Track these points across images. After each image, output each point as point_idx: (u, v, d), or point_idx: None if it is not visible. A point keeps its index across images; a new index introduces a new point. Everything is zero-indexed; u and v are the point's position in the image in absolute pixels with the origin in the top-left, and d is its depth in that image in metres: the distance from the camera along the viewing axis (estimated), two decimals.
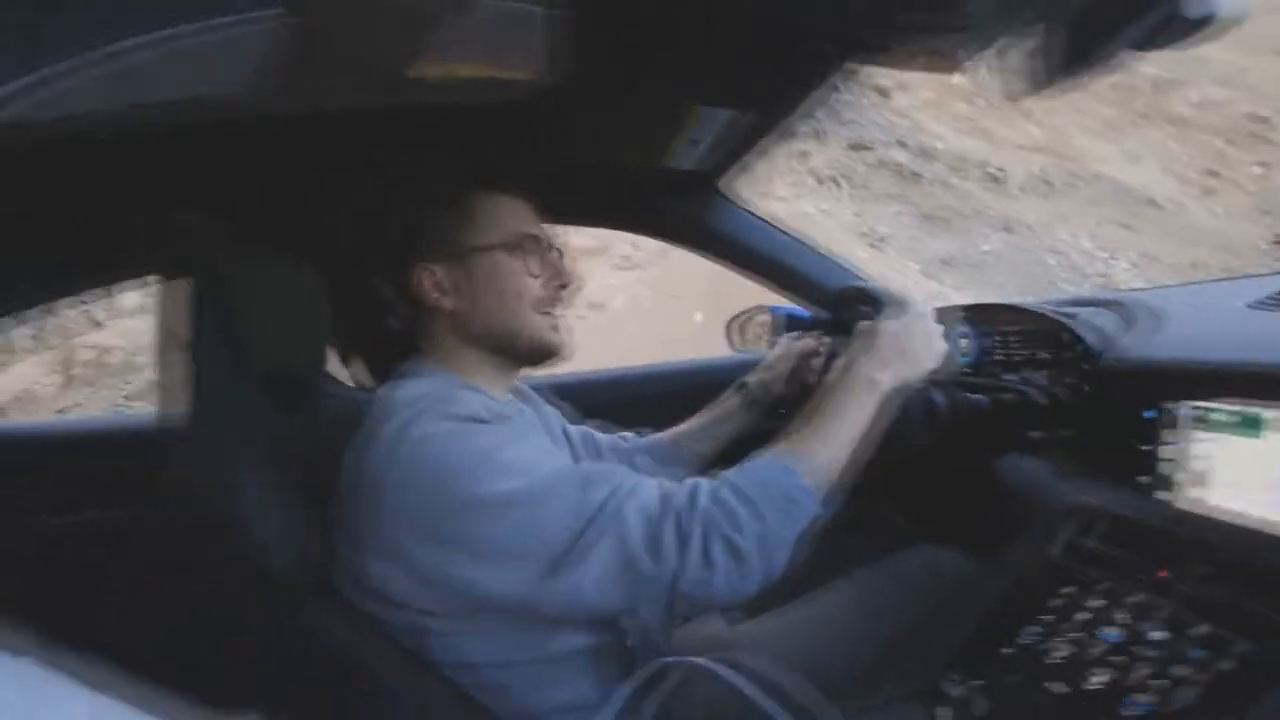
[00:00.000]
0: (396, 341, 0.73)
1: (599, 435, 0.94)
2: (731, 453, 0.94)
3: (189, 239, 0.67)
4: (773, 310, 1.34)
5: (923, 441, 0.77)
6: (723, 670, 0.56)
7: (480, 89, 0.79)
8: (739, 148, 1.00)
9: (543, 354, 0.73)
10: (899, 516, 0.98)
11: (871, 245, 4.37)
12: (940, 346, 0.71)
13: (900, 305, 0.72)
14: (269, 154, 0.84)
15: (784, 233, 1.21)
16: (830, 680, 0.75)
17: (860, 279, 1.18)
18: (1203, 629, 0.52)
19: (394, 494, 0.58)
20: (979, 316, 0.92)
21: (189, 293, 0.63)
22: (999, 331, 0.88)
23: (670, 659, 0.58)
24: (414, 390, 0.64)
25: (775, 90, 0.79)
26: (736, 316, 1.42)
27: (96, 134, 0.65)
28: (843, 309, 1.00)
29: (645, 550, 0.56)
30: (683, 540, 0.57)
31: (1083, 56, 0.56)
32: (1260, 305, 0.69)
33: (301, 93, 0.71)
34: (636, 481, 0.61)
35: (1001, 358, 0.87)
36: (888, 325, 0.71)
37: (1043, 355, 0.81)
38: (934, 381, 0.75)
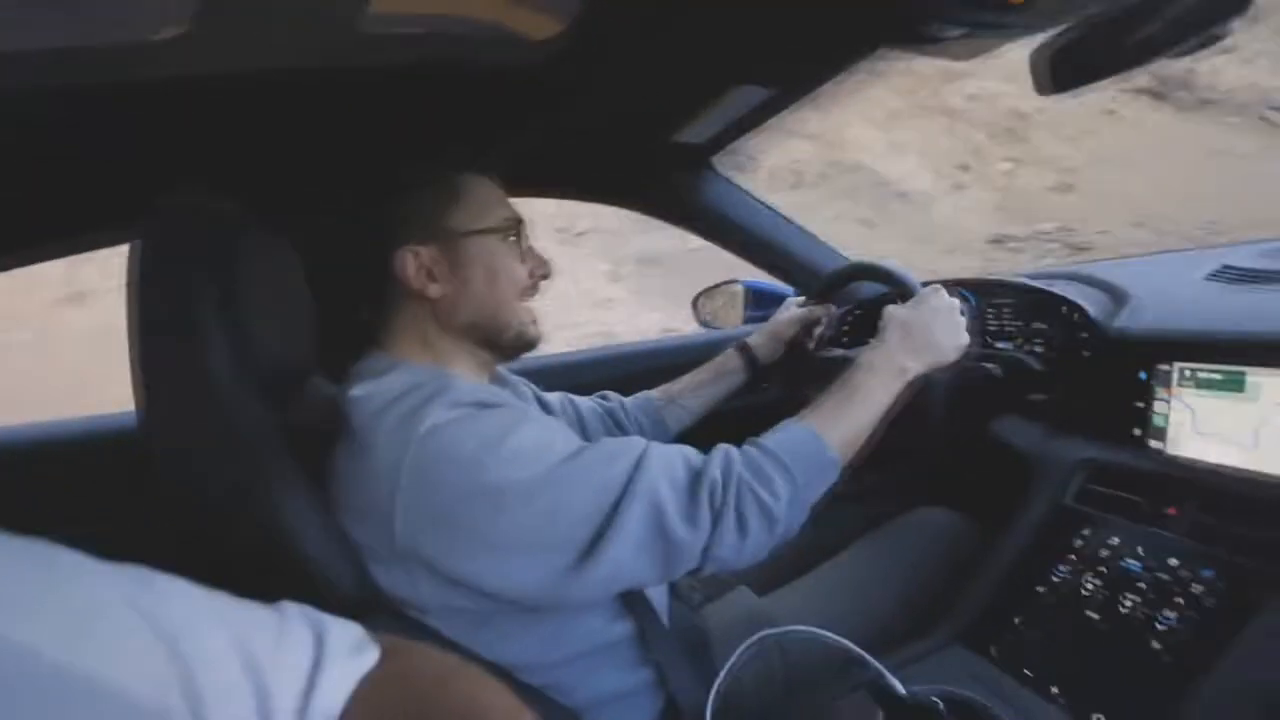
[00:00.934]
0: (358, 334, 0.69)
1: (578, 399, 0.94)
2: (720, 414, 0.98)
3: (198, 218, 0.58)
4: (746, 285, 1.39)
5: (939, 415, 0.83)
6: (820, 633, 0.59)
7: (495, 46, 0.75)
8: (743, 124, 1.01)
9: (524, 346, 0.71)
10: (902, 484, 1.06)
11: (565, 241, 4.08)
12: (964, 338, 0.76)
13: (940, 296, 0.76)
14: (258, 130, 0.75)
15: (775, 212, 1.24)
16: (876, 634, 0.82)
17: (848, 260, 1.24)
18: (1211, 552, 0.62)
19: (409, 493, 0.54)
20: (975, 291, 1.00)
21: (180, 277, 0.56)
22: (990, 304, 0.97)
23: (772, 630, 0.61)
24: (399, 384, 0.60)
25: (807, 70, 0.81)
26: (706, 290, 1.45)
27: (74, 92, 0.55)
28: (841, 286, 1.05)
29: (679, 519, 0.57)
30: (719, 507, 0.58)
31: (1113, 59, 0.62)
32: (1214, 277, 0.81)
33: (302, 50, 0.64)
34: (660, 451, 0.61)
35: (994, 328, 0.96)
36: (920, 313, 0.75)
37: (1038, 325, 0.90)
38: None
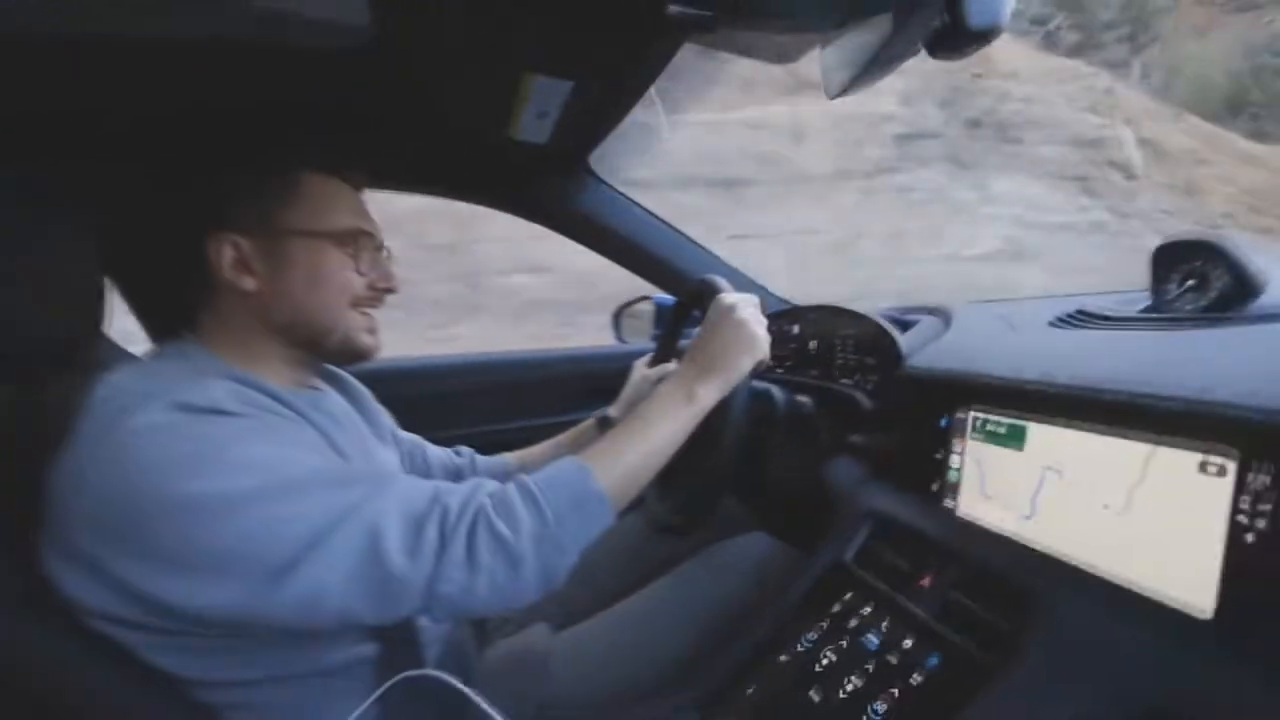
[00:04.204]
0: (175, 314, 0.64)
1: (430, 447, 0.89)
2: None
3: None
4: (656, 301, 1.33)
5: (738, 435, 0.74)
6: (462, 689, 0.51)
7: (304, 29, 0.72)
8: (598, 124, 0.95)
9: (352, 355, 0.67)
10: (741, 508, 0.97)
11: None
12: (758, 347, 0.67)
13: (719, 305, 0.69)
14: (59, 87, 0.73)
15: (657, 220, 1.18)
16: (637, 684, 0.74)
17: (724, 267, 1.16)
18: (942, 636, 0.53)
19: (95, 495, 0.49)
20: (820, 318, 0.92)
21: None
22: (836, 335, 0.88)
23: (413, 672, 0.54)
24: (151, 374, 0.56)
25: (615, 64, 0.75)
26: (624, 306, 1.40)
27: None
28: (696, 303, 0.98)
29: (400, 549, 0.50)
30: (446, 538, 0.52)
31: (877, 58, 0.55)
32: (1059, 323, 0.70)
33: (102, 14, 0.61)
34: (409, 481, 0.55)
35: (840, 361, 0.87)
36: (705, 334, 0.68)
37: (869, 360, 0.81)
38: (771, 380, 0.72)
